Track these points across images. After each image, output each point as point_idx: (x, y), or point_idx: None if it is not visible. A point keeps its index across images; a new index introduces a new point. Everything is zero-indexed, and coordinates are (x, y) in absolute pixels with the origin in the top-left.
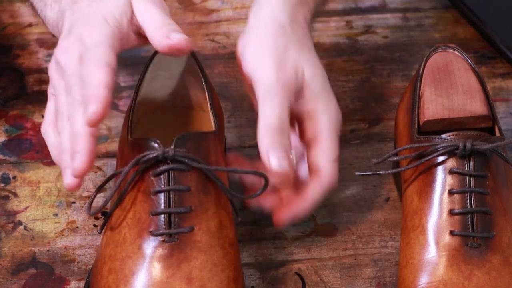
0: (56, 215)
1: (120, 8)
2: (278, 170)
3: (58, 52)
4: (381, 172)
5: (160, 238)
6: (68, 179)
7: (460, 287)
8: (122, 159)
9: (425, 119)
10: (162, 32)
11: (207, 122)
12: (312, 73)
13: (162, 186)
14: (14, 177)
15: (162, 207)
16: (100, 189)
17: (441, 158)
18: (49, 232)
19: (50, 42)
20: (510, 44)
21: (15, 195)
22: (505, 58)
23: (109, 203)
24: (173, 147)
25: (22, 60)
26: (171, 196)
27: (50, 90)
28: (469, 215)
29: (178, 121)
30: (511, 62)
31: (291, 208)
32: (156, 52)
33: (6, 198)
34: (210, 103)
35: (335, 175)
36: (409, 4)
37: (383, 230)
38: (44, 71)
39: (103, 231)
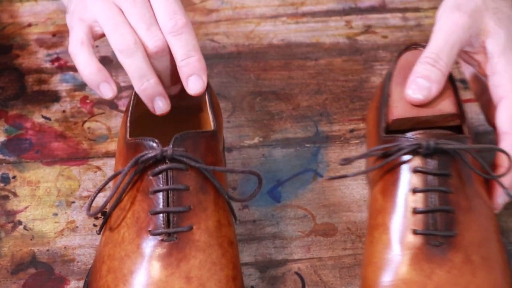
0: (55, 214)
1: None
2: (411, 99)
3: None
4: (349, 175)
5: (159, 237)
6: (162, 106)
7: (421, 285)
8: (121, 159)
9: (393, 118)
10: (183, 70)
11: (206, 121)
12: (495, 29)
13: (161, 185)
14: (14, 177)
15: (161, 206)
16: (100, 190)
17: (405, 157)
18: (48, 232)
19: (50, 42)
20: None
21: (15, 195)
22: None
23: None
24: (171, 146)
25: (22, 60)
26: (169, 195)
27: (80, 16)
28: (432, 214)
29: (177, 121)
30: None
31: (499, 186)
32: None
33: (6, 198)
34: (209, 103)
35: None
36: (408, 4)
37: None
38: (44, 71)
39: (102, 231)
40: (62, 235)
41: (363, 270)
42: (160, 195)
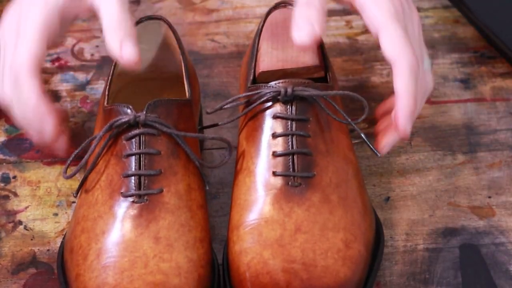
0: (56, 214)
1: None
2: (299, 41)
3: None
4: (220, 123)
5: (130, 199)
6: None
7: (281, 223)
8: (98, 125)
9: (260, 70)
10: (116, 37)
11: (185, 93)
12: None
13: (134, 149)
14: (14, 177)
15: (133, 169)
16: (76, 155)
17: (267, 104)
18: (49, 232)
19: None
20: (510, 44)
21: (15, 194)
22: (504, 57)
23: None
24: (144, 112)
25: None
26: (141, 159)
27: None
28: (290, 156)
29: (157, 92)
30: (511, 61)
31: (398, 113)
32: (135, 25)
33: (6, 197)
34: (185, 73)
35: (412, 54)
36: None
37: (383, 229)
38: (44, 71)
39: (78, 194)
40: (63, 235)
41: (230, 212)
42: (133, 158)
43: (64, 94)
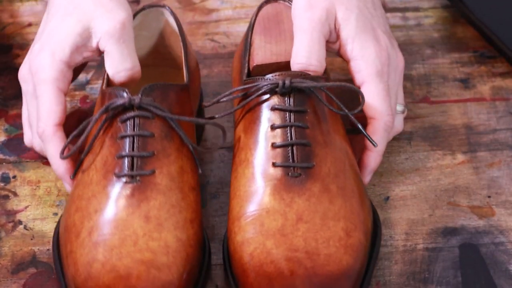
0: (56, 214)
1: (71, 39)
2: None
3: (28, 58)
4: (217, 116)
5: (123, 179)
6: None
7: (282, 213)
8: (97, 109)
9: (254, 64)
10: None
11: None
12: (345, 15)
13: (128, 131)
14: (14, 177)
15: (127, 150)
16: (74, 137)
17: (264, 97)
18: (49, 232)
19: None
20: (510, 44)
21: (15, 194)
22: (504, 57)
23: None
24: (140, 95)
25: (22, 60)
26: (135, 140)
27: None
28: (290, 147)
29: (159, 78)
30: (511, 61)
31: (365, 165)
32: (137, 13)
33: (6, 197)
34: (184, 59)
35: (389, 115)
36: (408, 4)
37: (383, 229)
38: None
39: (75, 175)
40: None
41: (230, 204)
42: (127, 140)
43: None
